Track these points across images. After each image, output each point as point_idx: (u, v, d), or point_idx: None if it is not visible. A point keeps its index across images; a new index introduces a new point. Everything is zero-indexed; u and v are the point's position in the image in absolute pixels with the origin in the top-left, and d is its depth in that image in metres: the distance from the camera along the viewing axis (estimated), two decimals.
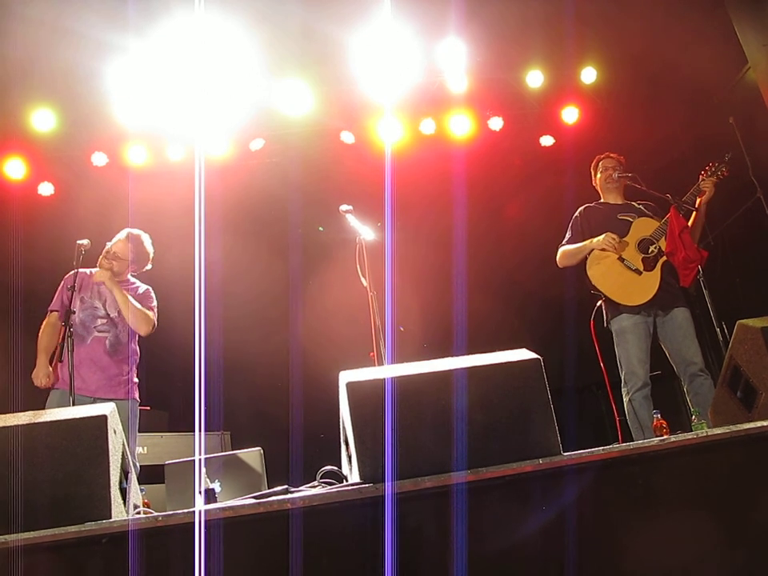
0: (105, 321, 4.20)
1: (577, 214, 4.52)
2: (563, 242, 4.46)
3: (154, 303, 4.44)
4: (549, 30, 5.85)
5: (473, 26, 5.68)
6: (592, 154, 4.75)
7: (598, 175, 4.59)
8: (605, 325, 4.29)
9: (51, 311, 4.26)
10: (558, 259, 4.46)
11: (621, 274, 4.21)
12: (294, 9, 5.30)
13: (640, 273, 4.19)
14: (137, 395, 4.26)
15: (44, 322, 4.25)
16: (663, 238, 4.22)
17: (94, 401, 3.98)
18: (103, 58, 5.51)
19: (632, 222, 4.34)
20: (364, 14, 5.34)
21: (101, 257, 4.30)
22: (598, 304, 4.31)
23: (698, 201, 4.26)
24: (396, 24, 5.40)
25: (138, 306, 4.26)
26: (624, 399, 4.12)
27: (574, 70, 6.46)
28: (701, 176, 4.30)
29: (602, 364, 4.25)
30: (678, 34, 5.48)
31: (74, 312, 3.97)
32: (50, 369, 4.08)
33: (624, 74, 6.37)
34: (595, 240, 4.27)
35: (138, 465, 4.02)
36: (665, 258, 4.20)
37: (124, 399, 4.13)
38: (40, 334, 4.21)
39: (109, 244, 4.31)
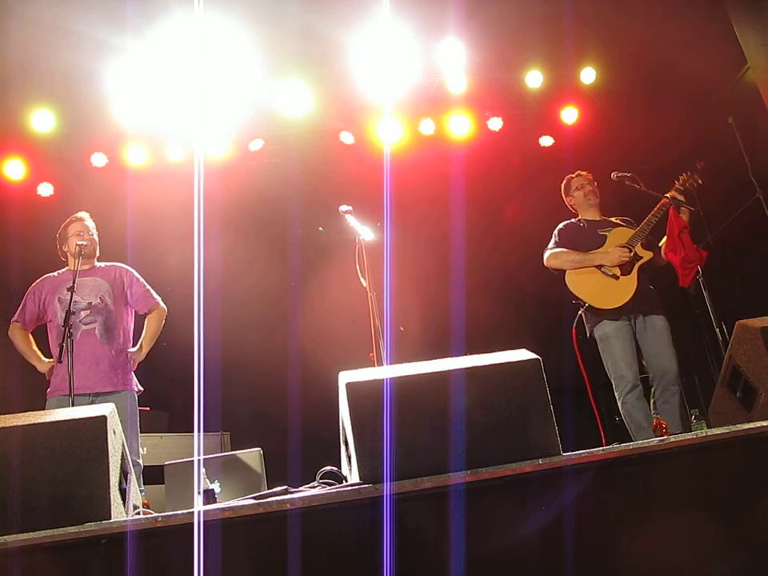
0: (88, 311, 4.12)
1: (560, 225, 4.55)
2: (551, 246, 4.46)
3: (148, 287, 4.41)
4: (548, 30, 5.85)
5: (472, 26, 5.69)
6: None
7: (574, 193, 4.61)
8: (587, 335, 4.34)
9: (14, 321, 4.24)
10: (549, 259, 4.43)
11: (598, 281, 4.27)
12: (294, 9, 5.31)
13: (617, 278, 4.25)
14: (134, 386, 4.19)
15: (9, 333, 4.22)
16: (639, 243, 4.28)
17: (92, 399, 3.96)
18: (103, 59, 5.52)
19: (608, 235, 4.40)
20: (363, 15, 5.34)
21: (76, 245, 4.18)
22: (579, 313, 4.33)
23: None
24: (395, 24, 5.40)
25: (156, 331, 4.31)
26: (618, 403, 4.13)
27: (574, 71, 6.47)
28: (676, 183, 4.34)
29: (583, 370, 4.28)
30: (677, 34, 5.48)
31: (74, 313, 3.94)
32: (47, 361, 4.11)
33: (623, 74, 6.38)
34: (603, 255, 4.28)
35: (141, 464, 4.01)
36: (642, 261, 4.25)
37: (123, 391, 4.08)
38: (17, 345, 4.19)
39: (81, 242, 4.17)
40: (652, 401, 4.13)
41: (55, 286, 4.24)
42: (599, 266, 4.27)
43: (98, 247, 4.41)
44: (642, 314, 4.20)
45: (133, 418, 4.07)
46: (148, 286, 4.42)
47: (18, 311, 4.26)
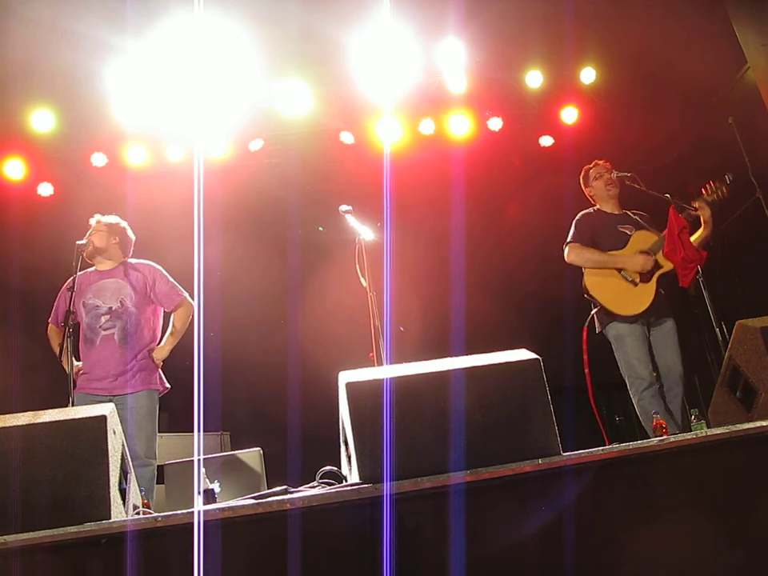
0: (108, 316, 4.14)
1: (580, 216, 4.51)
2: (571, 240, 4.40)
3: (174, 283, 4.39)
4: (548, 30, 5.85)
5: (472, 26, 5.68)
6: (591, 155, 4.74)
7: (593, 183, 4.58)
8: (597, 331, 4.32)
9: (49, 323, 4.31)
10: (570, 255, 4.37)
11: (617, 285, 4.25)
12: (294, 9, 5.30)
13: (636, 284, 4.24)
14: (157, 385, 4.18)
15: (48, 332, 4.30)
16: (661, 251, 4.24)
17: (110, 399, 3.94)
18: (103, 59, 5.52)
19: (631, 235, 4.36)
20: (363, 15, 5.34)
21: (79, 244, 4.17)
22: (592, 312, 4.32)
23: (701, 219, 4.27)
24: (395, 24, 5.39)
25: (182, 328, 4.30)
26: (634, 402, 4.13)
27: (574, 70, 6.47)
28: (703, 192, 4.32)
29: (587, 371, 4.27)
30: (677, 34, 5.48)
31: (74, 312, 3.94)
32: (76, 364, 4.11)
33: (623, 74, 6.37)
34: (627, 259, 4.26)
35: (155, 464, 3.99)
36: (662, 270, 4.24)
37: (142, 391, 4.08)
38: (52, 345, 4.26)
39: (79, 242, 4.17)
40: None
41: (82, 289, 4.21)
42: (619, 270, 4.26)
43: (111, 247, 4.37)
44: (654, 317, 4.23)
45: (150, 416, 4.07)
46: (174, 282, 4.39)
47: (52, 312, 4.31)
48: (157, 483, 4.05)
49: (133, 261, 4.42)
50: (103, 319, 4.14)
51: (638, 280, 4.23)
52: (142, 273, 4.34)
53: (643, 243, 4.31)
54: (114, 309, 4.17)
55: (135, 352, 4.14)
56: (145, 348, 4.19)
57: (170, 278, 4.40)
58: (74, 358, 4.15)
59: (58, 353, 4.15)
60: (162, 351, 4.24)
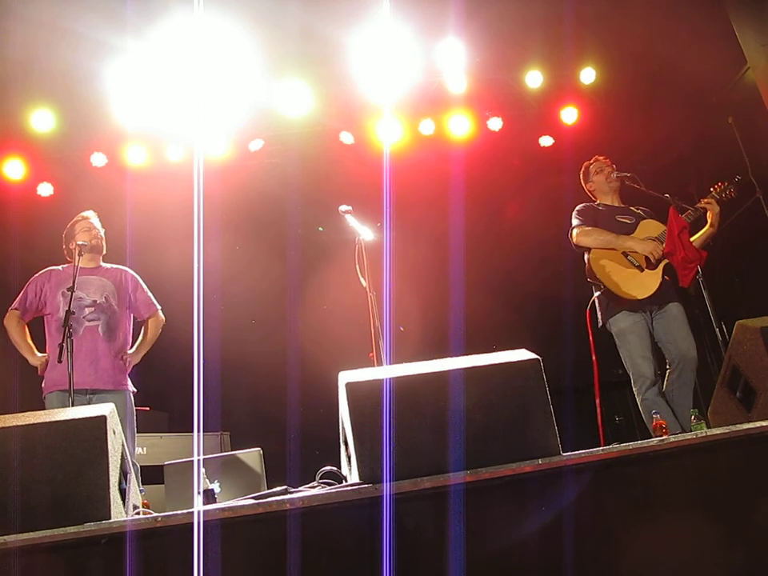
0: (92, 309, 4.15)
1: (580, 206, 4.52)
2: (578, 224, 4.39)
3: (150, 294, 4.46)
4: (548, 30, 5.85)
5: (472, 27, 5.69)
6: (591, 155, 4.75)
7: (594, 177, 4.61)
8: (599, 325, 4.31)
9: (12, 309, 4.22)
10: (579, 235, 4.35)
11: (623, 269, 4.23)
12: (294, 9, 5.31)
13: (642, 269, 4.21)
14: (130, 386, 4.22)
15: (5, 320, 4.21)
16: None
17: (89, 396, 3.97)
18: (102, 59, 5.52)
19: (638, 222, 4.37)
20: (363, 15, 5.34)
21: (75, 244, 4.17)
22: (594, 297, 4.31)
23: (708, 216, 4.28)
24: (395, 24, 5.40)
25: (153, 337, 4.36)
26: (637, 399, 4.12)
27: (573, 71, 6.47)
28: (712, 190, 4.32)
29: (593, 353, 4.24)
30: (677, 34, 5.48)
31: (74, 312, 3.93)
32: (40, 355, 4.12)
33: (623, 74, 6.37)
34: (638, 242, 4.24)
35: (137, 464, 4.00)
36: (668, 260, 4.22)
37: (120, 391, 4.11)
38: (11, 334, 4.16)
39: (80, 242, 4.16)
40: (669, 389, 4.09)
41: (60, 280, 4.23)
42: (625, 254, 4.25)
43: (104, 247, 4.43)
44: (656, 304, 4.19)
45: (129, 417, 4.09)
46: (150, 294, 4.47)
47: (17, 299, 4.26)
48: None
49: (108, 265, 4.45)
50: (87, 310, 4.14)
51: (644, 265, 4.22)
52: (124, 277, 4.40)
53: (652, 231, 4.31)
54: (98, 302, 4.19)
55: (116, 350, 4.17)
56: (120, 350, 4.21)
57: (147, 289, 4.47)
58: (35, 348, 4.17)
59: (24, 339, 4.15)
60: (137, 356, 4.28)
